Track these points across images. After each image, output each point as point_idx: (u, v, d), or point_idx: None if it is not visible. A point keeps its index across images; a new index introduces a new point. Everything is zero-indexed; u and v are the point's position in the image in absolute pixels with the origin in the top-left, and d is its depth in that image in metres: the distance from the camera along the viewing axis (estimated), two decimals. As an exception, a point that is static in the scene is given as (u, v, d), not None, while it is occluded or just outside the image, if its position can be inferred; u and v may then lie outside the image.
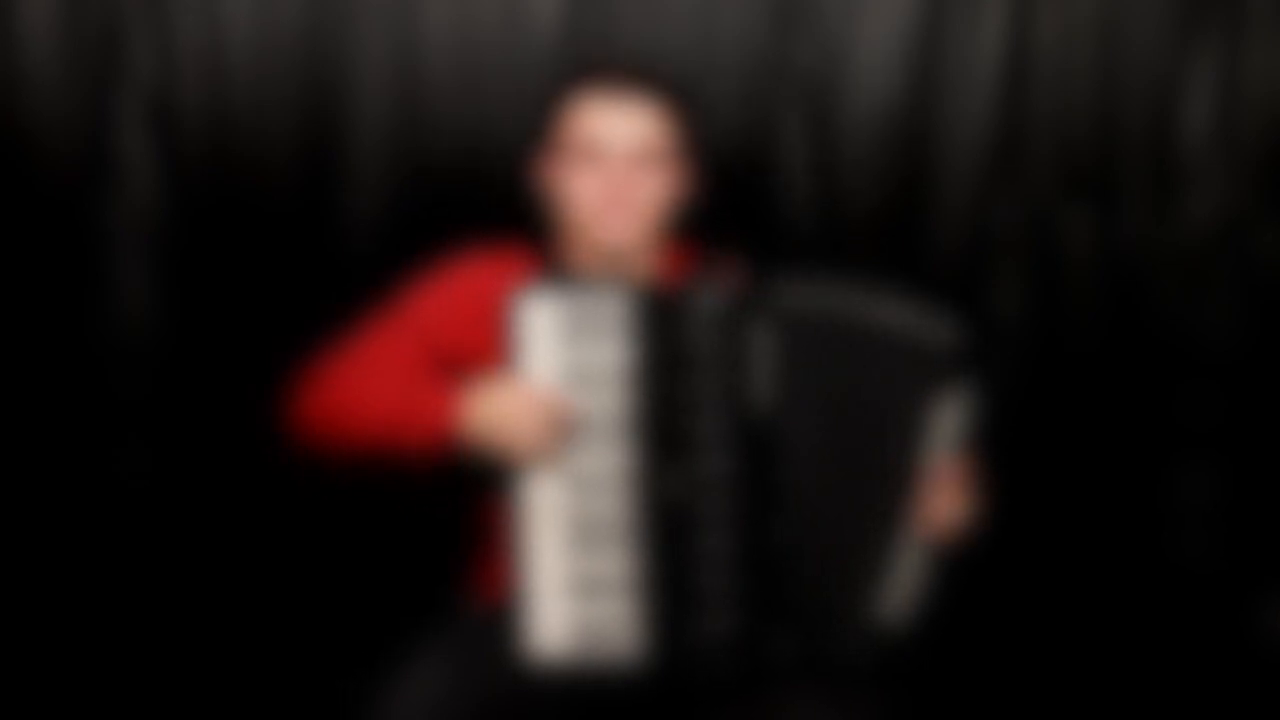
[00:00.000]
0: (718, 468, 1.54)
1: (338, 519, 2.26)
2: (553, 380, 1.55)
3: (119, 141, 2.25)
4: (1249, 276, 2.36)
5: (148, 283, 2.29)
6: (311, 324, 2.17)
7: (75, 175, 2.26)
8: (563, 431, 1.54)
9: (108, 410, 2.31)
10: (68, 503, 2.32)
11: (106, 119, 2.25)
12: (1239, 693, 2.35)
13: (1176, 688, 2.37)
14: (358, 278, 2.15)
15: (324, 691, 2.14)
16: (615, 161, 1.68)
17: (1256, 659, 2.37)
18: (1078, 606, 2.38)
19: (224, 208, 2.27)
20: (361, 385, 1.64)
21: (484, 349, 1.60)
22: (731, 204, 2.26)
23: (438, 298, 1.72)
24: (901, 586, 1.59)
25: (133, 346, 2.29)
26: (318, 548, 2.32)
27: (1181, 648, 2.39)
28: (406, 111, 2.26)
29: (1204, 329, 2.35)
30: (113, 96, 2.24)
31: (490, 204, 2.12)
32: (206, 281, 2.29)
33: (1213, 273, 2.35)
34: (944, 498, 1.61)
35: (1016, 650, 2.37)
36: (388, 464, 1.61)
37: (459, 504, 1.73)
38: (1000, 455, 1.74)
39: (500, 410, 1.54)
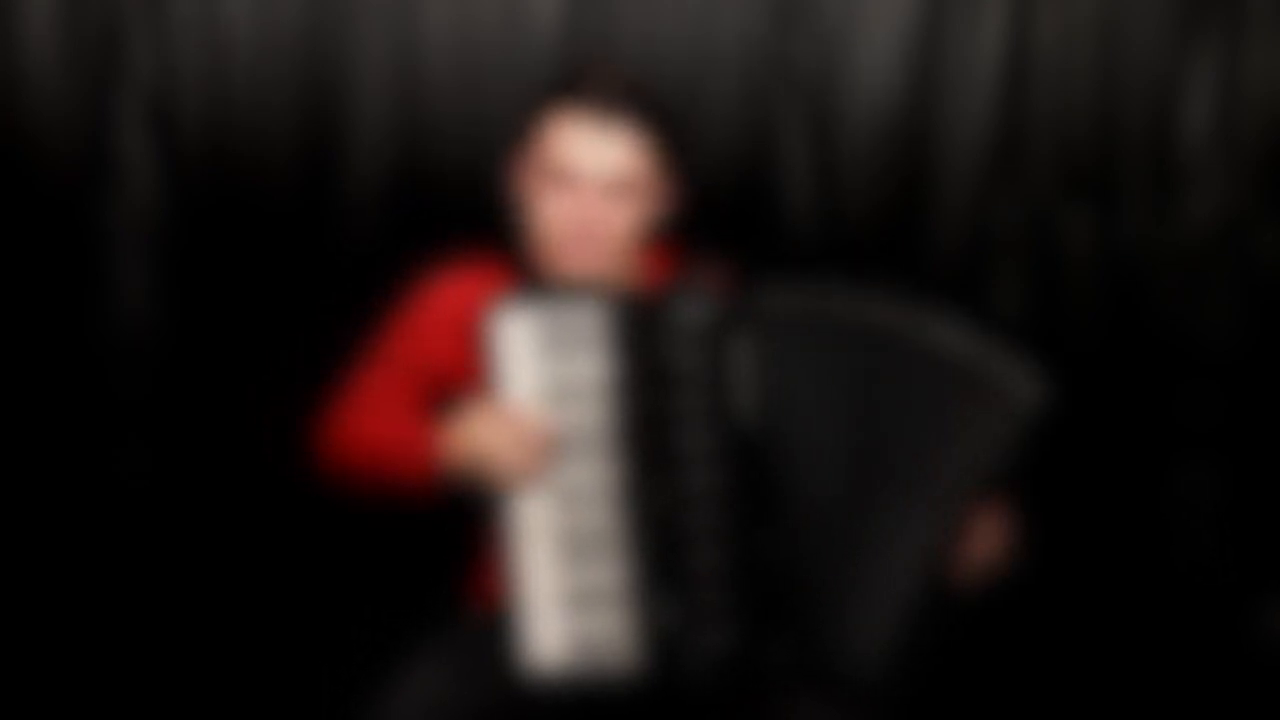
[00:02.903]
0: (704, 479, 1.53)
1: (338, 520, 2.25)
2: (533, 396, 1.55)
3: (119, 141, 2.25)
4: (1249, 276, 2.36)
5: (148, 283, 2.29)
6: (311, 324, 2.18)
7: (75, 175, 2.26)
8: (545, 451, 1.53)
9: (108, 410, 2.31)
10: (68, 503, 2.32)
11: (106, 119, 2.25)
12: (1239, 693, 2.35)
13: (1177, 688, 2.36)
14: (357, 278, 2.16)
15: (324, 692, 2.14)
16: (588, 190, 1.64)
17: (1256, 660, 2.37)
18: (1077, 606, 2.38)
19: (224, 208, 2.27)
20: (356, 435, 1.66)
21: (475, 368, 1.59)
22: (731, 204, 2.26)
23: (421, 326, 1.71)
24: (923, 609, 1.55)
25: (133, 346, 2.29)
26: (318, 548, 2.32)
27: (1181, 648, 2.39)
28: (406, 111, 2.26)
29: (1204, 329, 2.35)
30: (113, 96, 2.24)
31: (490, 205, 2.11)
32: (206, 281, 2.29)
33: (1213, 273, 2.35)
34: (981, 537, 1.58)
35: (1016, 649, 2.37)
36: (401, 498, 1.63)
37: (460, 508, 1.73)
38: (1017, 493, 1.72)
39: (480, 438, 1.53)
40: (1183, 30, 2.29)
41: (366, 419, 1.66)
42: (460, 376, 1.63)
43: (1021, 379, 1.53)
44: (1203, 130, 2.32)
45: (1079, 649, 2.38)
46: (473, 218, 2.07)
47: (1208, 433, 2.37)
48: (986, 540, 1.59)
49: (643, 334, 1.53)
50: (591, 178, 1.64)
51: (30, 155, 2.25)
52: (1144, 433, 2.37)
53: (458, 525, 1.76)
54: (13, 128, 2.24)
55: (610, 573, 1.55)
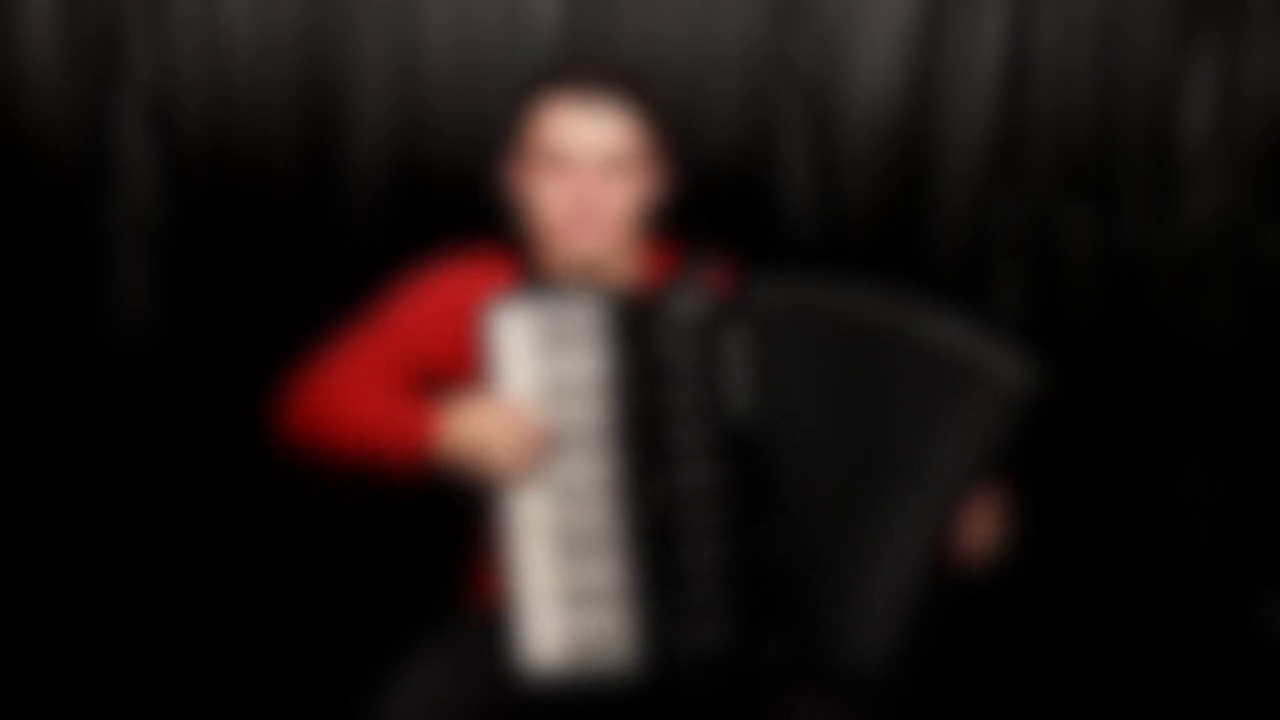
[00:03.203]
0: (699, 475, 1.53)
1: (338, 520, 2.26)
2: (529, 393, 1.55)
3: (119, 141, 2.25)
4: (1249, 276, 2.36)
5: (148, 283, 2.29)
6: (311, 324, 2.17)
7: (75, 175, 2.26)
8: (542, 447, 1.54)
9: (108, 410, 2.31)
10: (68, 503, 2.32)
11: (106, 119, 2.25)
12: (1238, 689, 2.35)
13: (1176, 683, 2.37)
14: (357, 277, 2.16)
15: (324, 692, 2.14)
16: (583, 170, 1.65)
17: (1255, 655, 2.37)
18: (1078, 603, 2.39)
19: (224, 208, 2.27)
20: (341, 401, 1.64)
21: (465, 360, 1.60)
22: (731, 204, 2.26)
23: (417, 310, 1.71)
24: (923, 602, 1.55)
25: (133, 346, 2.29)
26: (318, 548, 2.32)
27: (1181, 644, 2.39)
28: (406, 111, 2.26)
29: (1204, 329, 2.35)
30: (113, 96, 2.24)
31: (489, 204, 2.11)
32: (206, 281, 2.29)
33: (1213, 273, 2.35)
34: (977, 522, 1.58)
35: (1016, 646, 2.37)
36: (371, 477, 1.62)
37: (459, 505, 1.73)
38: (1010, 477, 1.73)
39: (478, 430, 1.53)
40: (1183, 30, 2.30)
41: (354, 389, 1.64)
42: (452, 368, 1.63)
43: (1010, 364, 1.54)
44: (1203, 130, 2.32)
45: (1080, 645, 2.39)
46: (472, 217, 2.07)
47: (1207, 432, 2.37)
48: (983, 526, 1.59)
49: (638, 330, 1.54)
50: (586, 157, 1.65)
51: (30, 155, 2.25)
52: (1144, 432, 2.37)
53: (457, 524, 1.77)
54: (13, 128, 2.24)
55: (606, 570, 1.55)
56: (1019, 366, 1.54)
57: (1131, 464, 2.38)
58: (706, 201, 1.84)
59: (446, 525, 1.79)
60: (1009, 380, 1.54)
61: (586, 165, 1.65)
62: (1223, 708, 2.35)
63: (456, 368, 1.62)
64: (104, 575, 2.34)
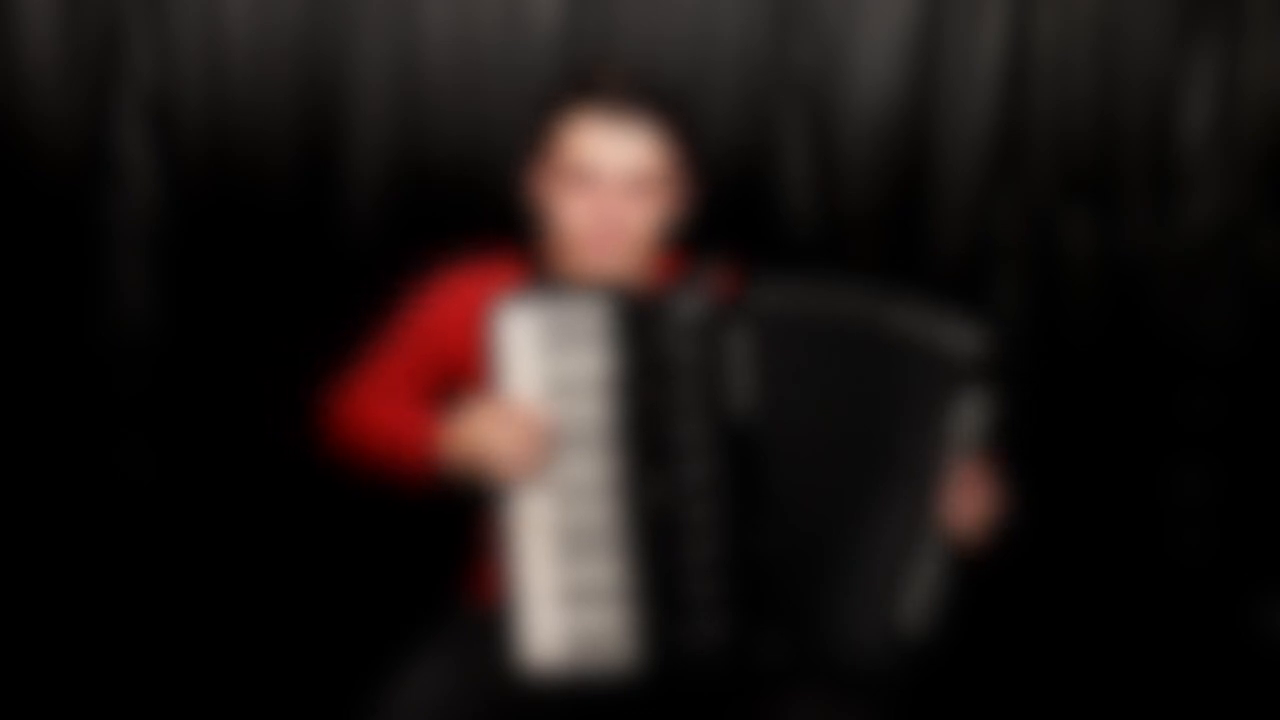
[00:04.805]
0: (700, 474, 1.53)
1: (339, 517, 2.26)
2: (534, 391, 1.55)
3: (119, 141, 2.25)
4: (1249, 277, 2.36)
5: (148, 283, 2.29)
6: (311, 323, 2.18)
7: (75, 175, 2.26)
8: (545, 448, 1.54)
9: (108, 409, 2.31)
10: (69, 501, 2.32)
11: (106, 119, 2.25)
12: (1235, 690, 2.35)
13: (1173, 684, 2.37)
14: (357, 277, 2.17)
15: (324, 691, 2.14)
16: (608, 188, 1.65)
17: (1252, 656, 2.37)
18: (1075, 603, 2.39)
19: (224, 208, 2.27)
20: (363, 414, 1.70)
21: (482, 361, 1.60)
22: (731, 204, 2.26)
23: (436, 314, 1.73)
24: (917, 590, 1.57)
25: (133, 345, 2.30)
26: (319, 545, 2.32)
27: (1178, 645, 2.39)
28: (406, 111, 2.26)
29: (1203, 329, 2.35)
30: (113, 96, 2.24)
31: (490, 204, 2.12)
32: (206, 281, 2.29)
33: (1212, 273, 2.35)
34: (964, 500, 1.59)
35: (1012, 646, 2.37)
36: (395, 483, 1.66)
37: (463, 503, 1.73)
38: (1002, 454, 1.73)
39: (482, 433, 1.54)
40: (1182, 30, 2.30)
41: (373, 402, 1.70)
42: (472, 370, 1.64)
43: (956, 337, 1.55)
44: (1203, 130, 2.32)
45: (1078, 646, 2.39)
46: (473, 217, 2.07)
47: (1206, 433, 2.37)
48: (972, 502, 1.59)
49: (643, 330, 1.54)
50: (611, 176, 1.65)
51: (30, 155, 2.25)
52: (1143, 433, 2.37)
53: (460, 523, 1.77)
54: (13, 128, 2.24)
55: (607, 568, 1.55)
56: (971, 338, 1.55)
57: (1130, 465, 2.38)
58: (706, 203, 1.83)
59: (449, 523, 1.80)
60: (971, 354, 1.55)
61: (612, 183, 1.65)
62: (1221, 709, 2.35)
63: (476, 369, 1.62)
64: (105, 573, 2.34)
